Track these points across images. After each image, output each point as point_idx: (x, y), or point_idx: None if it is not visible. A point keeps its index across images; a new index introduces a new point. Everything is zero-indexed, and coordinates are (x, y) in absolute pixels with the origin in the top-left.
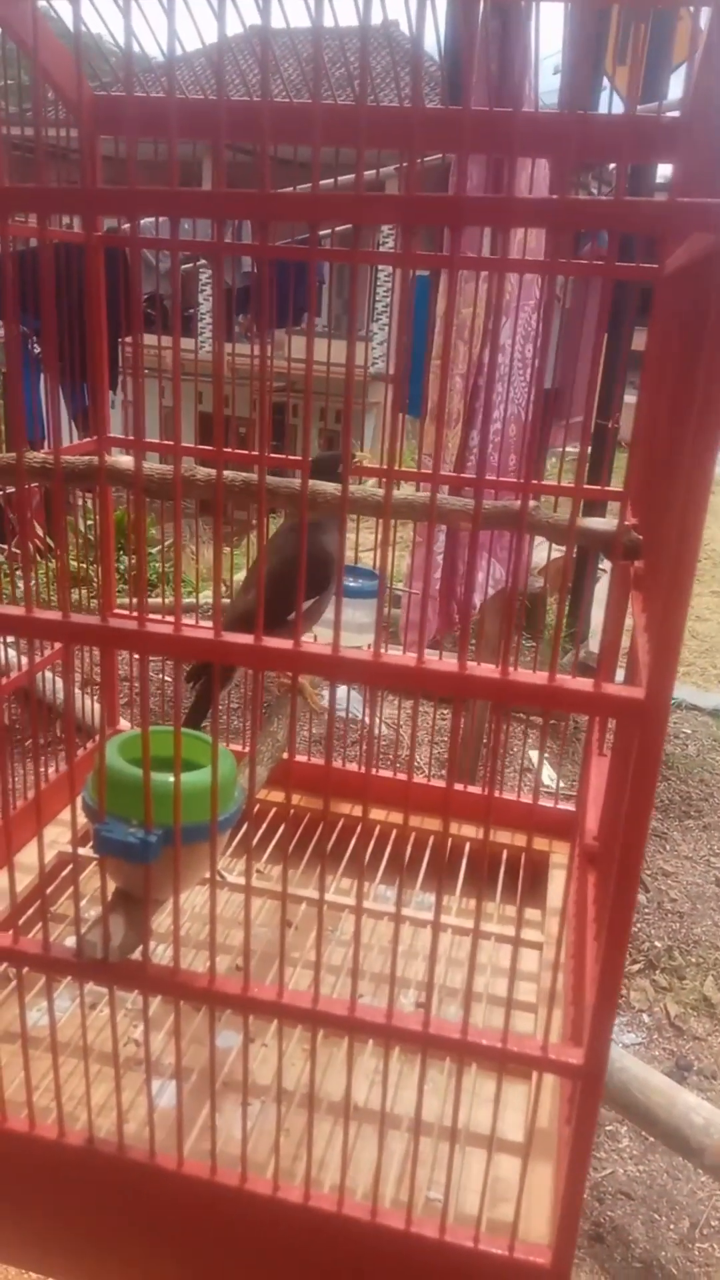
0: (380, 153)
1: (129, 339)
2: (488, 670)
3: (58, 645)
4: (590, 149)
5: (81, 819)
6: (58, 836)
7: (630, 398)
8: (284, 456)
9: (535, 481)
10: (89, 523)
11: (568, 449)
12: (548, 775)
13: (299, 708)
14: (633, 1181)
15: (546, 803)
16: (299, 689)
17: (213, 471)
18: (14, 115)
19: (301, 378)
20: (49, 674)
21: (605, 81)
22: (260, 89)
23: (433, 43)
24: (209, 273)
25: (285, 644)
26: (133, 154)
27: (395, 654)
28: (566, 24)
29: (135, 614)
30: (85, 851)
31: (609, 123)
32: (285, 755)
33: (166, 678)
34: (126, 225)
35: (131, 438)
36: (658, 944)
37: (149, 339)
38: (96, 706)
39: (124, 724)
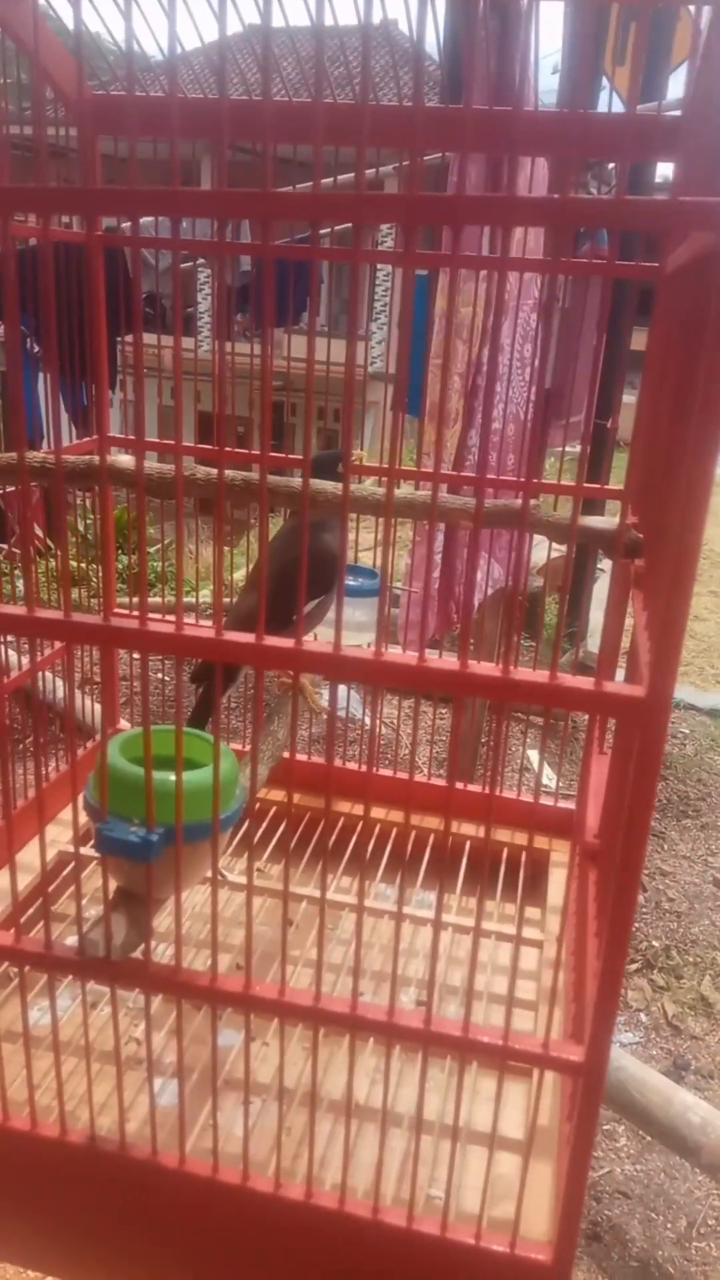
0: (380, 152)
1: (126, 338)
2: (488, 669)
3: (58, 644)
4: (590, 148)
5: (83, 818)
6: (59, 835)
7: (629, 397)
8: (284, 455)
9: (535, 480)
10: (88, 522)
11: (567, 449)
12: (547, 775)
13: (299, 707)
14: (630, 1180)
15: (546, 802)
16: (299, 688)
17: (212, 470)
18: (13, 114)
19: (299, 377)
20: (48, 674)
21: (605, 81)
22: (260, 88)
23: (432, 42)
24: (208, 272)
25: (286, 643)
26: (133, 153)
27: (396, 653)
28: (566, 23)
29: (136, 613)
30: (87, 850)
31: (608, 122)
32: (286, 754)
33: (166, 677)
34: (126, 224)
35: (131, 437)
36: (655, 943)
37: (148, 338)
38: (96, 706)
39: (124, 723)
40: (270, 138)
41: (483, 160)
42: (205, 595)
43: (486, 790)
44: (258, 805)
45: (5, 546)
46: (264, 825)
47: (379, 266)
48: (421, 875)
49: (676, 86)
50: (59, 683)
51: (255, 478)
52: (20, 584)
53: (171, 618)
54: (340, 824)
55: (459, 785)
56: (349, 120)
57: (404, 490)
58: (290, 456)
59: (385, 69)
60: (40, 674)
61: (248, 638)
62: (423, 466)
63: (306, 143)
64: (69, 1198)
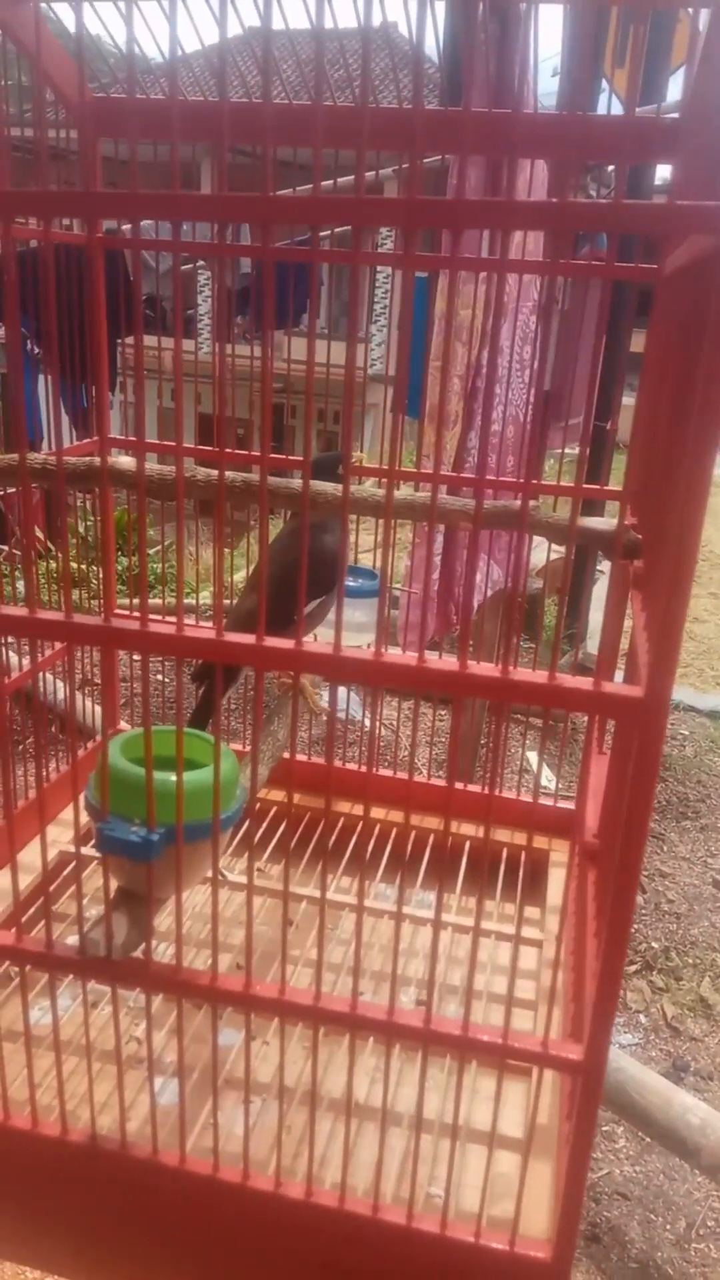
0: (380, 154)
1: (126, 340)
2: (488, 670)
3: (58, 645)
4: (589, 150)
5: (84, 818)
6: (60, 835)
7: (628, 399)
8: (284, 457)
9: (534, 482)
10: (88, 523)
11: (566, 450)
12: (546, 776)
13: (299, 708)
14: (629, 1182)
15: (546, 802)
16: (299, 689)
17: (213, 472)
18: (14, 116)
19: (299, 379)
20: (49, 675)
21: (604, 83)
22: (261, 91)
23: (432, 44)
24: (208, 274)
25: (286, 644)
26: (134, 156)
27: (395, 654)
28: (565, 26)
29: (136, 614)
30: (88, 850)
31: (608, 124)
32: (286, 755)
33: (166, 678)
34: (126, 226)
35: (132, 438)
36: (655, 945)
37: (149, 340)
38: (96, 707)
39: (124, 724)
40: (270, 140)
41: (482, 163)
42: (205, 596)
43: (486, 790)
44: (258, 805)
45: (6, 548)
46: (264, 825)
47: (379, 268)
48: (421, 875)
49: (676, 88)
50: (59, 683)
51: (255, 479)
52: (21, 585)
53: (172, 619)
54: (340, 824)
55: (459, 785)
56: (349, 123)
57: (404, 492)
58: (290, 458)
59: (385, 71)
60: (41, 675)
61: (248, 639)
62: (422, 468)
63: (306, 145)
64: (70, 1196)
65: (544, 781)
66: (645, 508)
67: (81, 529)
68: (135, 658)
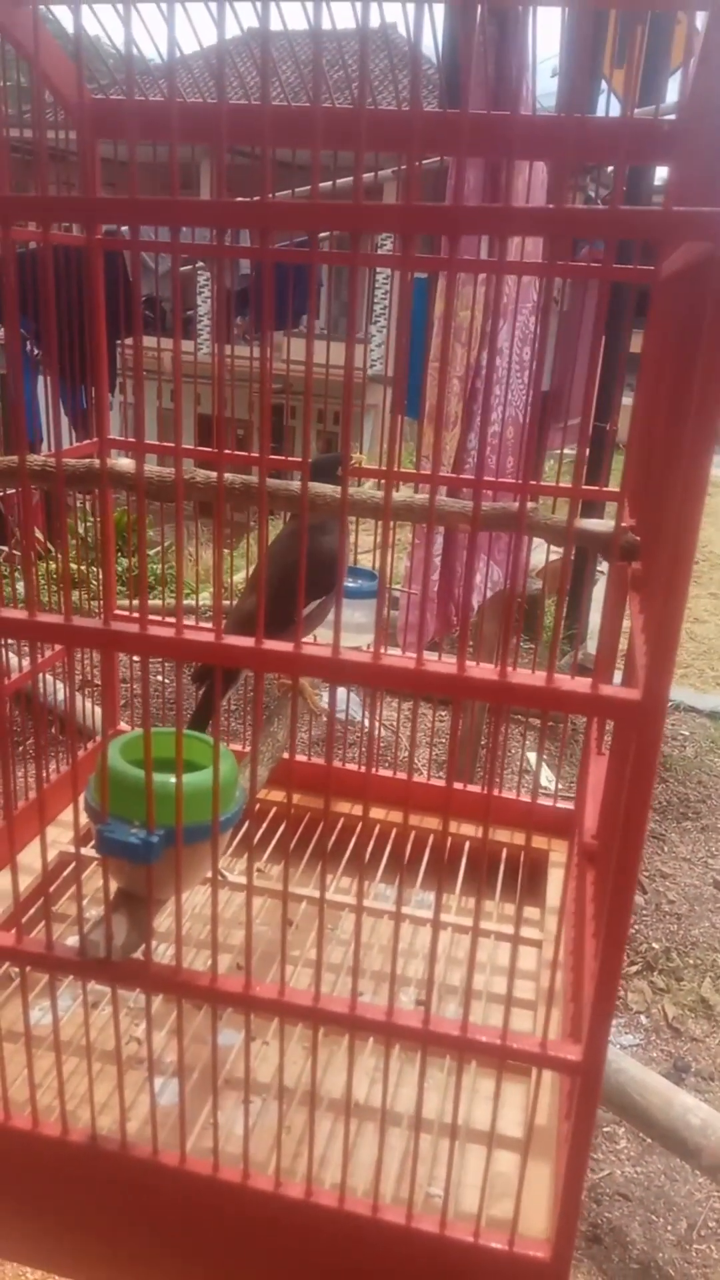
0: (378, 155)
1: (126, 341)
2: (487, 671)
3: (58, 647)
4: (588, 152)
5: (84, 819)
6: (60, 837)
7: (627, 400)
8: (284, 458)
9: (534, 483)
10: (88, 525)
11: (565, 451)
12: (546, 777)
13: (299, 709)
14: (630, 1183)
15: (545, 802)
16: (299, 690)
17: (212, 473)
18: (13, 118)
19: (298, 379)
20: (48, 676)
21: (603, 84)
22: (259, 92)
23: (430, 46)
24: (207, 275)
25: (286, 646)
26: (133, 158)
27: (395, 655)
28: (564, 27)
29: (136, 616)
30: (87, 852)
31: (606, 125)
32: (285, 755)
33: (165, 679)
34: (125, 227)
35: (131, 439)
36: (655, 945)
37: (148, 341)
38: (96, 709)
39: (124, 726)
40: (269, 141)
41: (481, 164)
42: (205, 598)
43: (485, 790)
44: (258, 806)
45: (5, 549)
46: (264, 826)
47: (378, 269)
48: (421, 875)
49: (674, 90)
50: (59, 685)
51: (255, 481)
52: (21, 586)
53: (172, 620)
54: (340, 825)
55: (458, 786)
56: (347, 124)
57: (403, 493)
58: (290, 459)
59: (383, 73)
60: (41, 676)
61: (247, 641)
62: (422, 469)
63: (305, 147)
64: (70, 1196)
65: (543, 782)
66: (643, 508)
67: (81, 530)
68: (135, 659)
